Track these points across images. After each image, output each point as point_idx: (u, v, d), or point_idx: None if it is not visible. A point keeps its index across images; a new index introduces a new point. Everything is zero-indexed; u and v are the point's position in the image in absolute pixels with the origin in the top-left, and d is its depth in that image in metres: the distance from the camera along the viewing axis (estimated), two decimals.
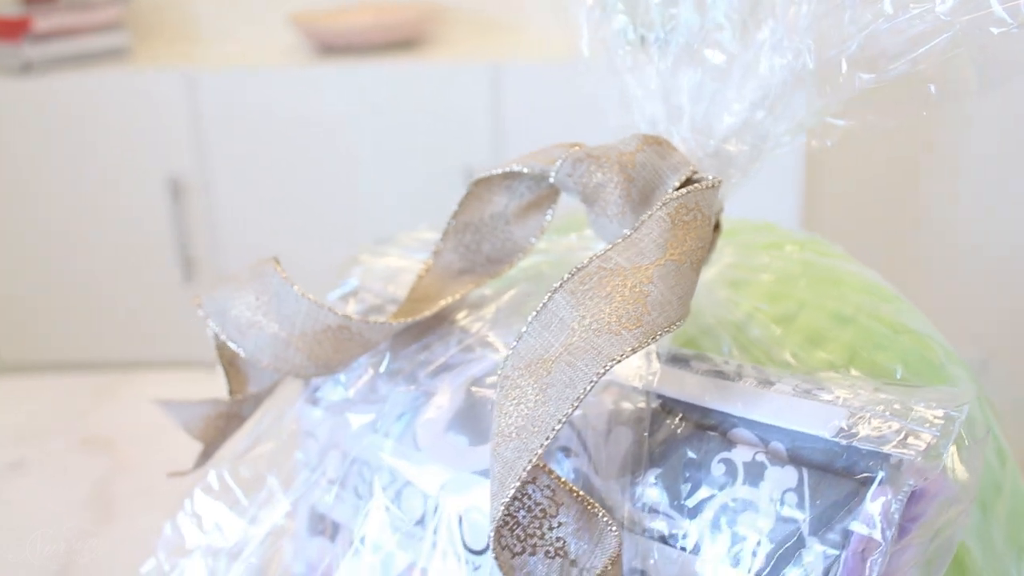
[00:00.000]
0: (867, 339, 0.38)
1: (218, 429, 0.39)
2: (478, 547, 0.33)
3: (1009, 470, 0.39)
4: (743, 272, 0.40)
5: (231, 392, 0.39)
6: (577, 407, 0.28)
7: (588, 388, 0.28)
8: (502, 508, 0.28)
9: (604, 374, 0.28)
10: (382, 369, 0.37)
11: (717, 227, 0.38)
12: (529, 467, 0.28)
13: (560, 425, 0.28)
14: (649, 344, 0.29)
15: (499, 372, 0.30)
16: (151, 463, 0.87)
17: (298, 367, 0.36)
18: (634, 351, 0.28)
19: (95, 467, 0.86)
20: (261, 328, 0.36)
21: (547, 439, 0.28)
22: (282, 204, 1.56)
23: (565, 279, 0.30)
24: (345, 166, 1.52)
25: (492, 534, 0.28)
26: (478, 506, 0.33)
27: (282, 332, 0.36)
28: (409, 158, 1.50)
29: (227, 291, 0.37)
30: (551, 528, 0.29)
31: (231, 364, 0.40)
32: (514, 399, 0.29)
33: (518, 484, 0.28)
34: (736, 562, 0.28)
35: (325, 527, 0.39)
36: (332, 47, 1.57)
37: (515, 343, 0.30)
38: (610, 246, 0.31)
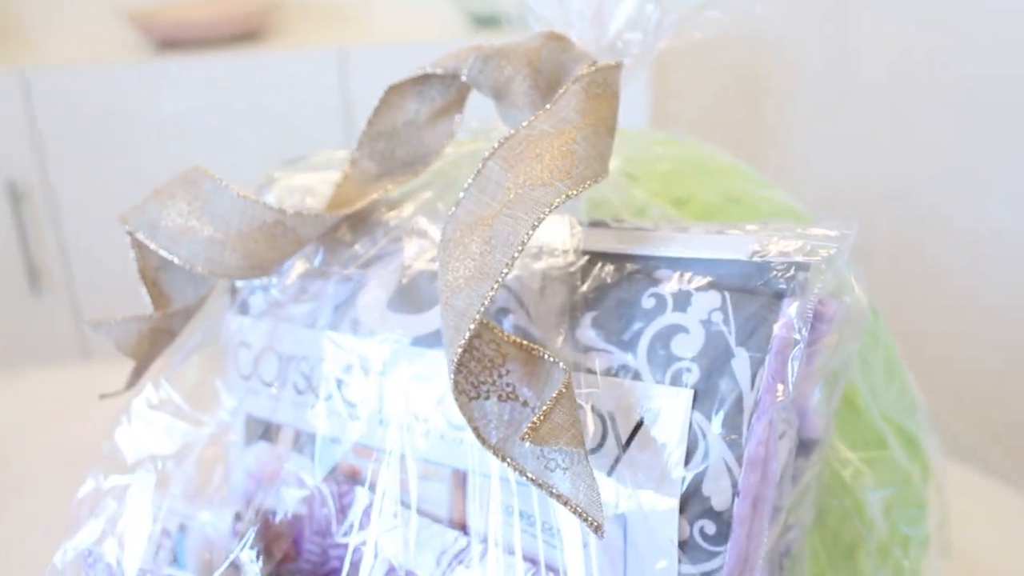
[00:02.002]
0: (756, 215, 0.43)
1: (150, 344, 0.40)
2: (422, 414, 0.35)
3: (881, 324, 0.44)
4: (638, 166, 0.44)
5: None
6: (521, 251, 0.31)
7: (530, 232, 0.31)
8: (458, 353, 0.30)
9: (544, 219, 0.31)
10: (314, 264, 0.39)
11: None
12: (482, 310, 0.30)
13: (507, 269, 0.30)
14: (579, 192, 0.32)
15: (441, 238, 0.33)
16: (37, 456, 0.85)
17: (233, 268, 0.38)
18: (567, 198, 0.31)
19: None
20: (195, 232, 0.37)
21: (496, 283, 0.30)
22: (129, 205, 1.52)
23: (496, 147, 0.33)
24: (193, 162, 1.49)
25: (451, 378, 0.31)
26: (424, 374, 0.35)
27: (217, 234, 0.37)
28: (259, 150, 1.49)
29: (155, 203, 0.38)
30: (500, 376, 0.32)
31: (154, 285, 0.41)
32: (459, 256, 0.32)
33: (472, 328, 0.30)
34: (675, 380, 0.31)
35: (266, 431, 0.40)
36: (171, 42, 1.54)
37: (453, 209, 0.33)
38: (533, 117, 0.34)
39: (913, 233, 1.57)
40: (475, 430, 0.30)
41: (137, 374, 0.41)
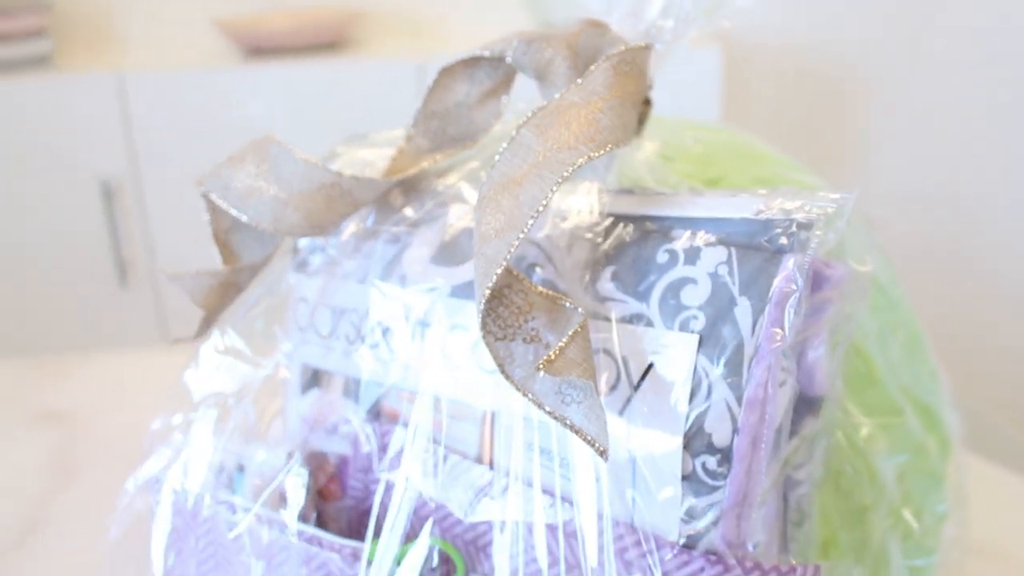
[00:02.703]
0: None
1: (219, 296, 0.44)
2: (458, 361, 0.39)
3: (906, 303, 0.46)
4: (673, 149, 0.47)
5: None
6: (546, 205, 0.34)
7: (555, 188, 0.34)
8: (486, 295, 0.34)
9: (568, 176, 0.34)
10: (367, 225, 0.43)
11: (648, 103, 0.44)
12: (509, 257, 0.33)
13: (532, 221, 0.34)
14: (601, 155, 0.35)
15: (478, 197, 0.36)
16: (110, 431, 0.91)
17: (294, 226, 0.42)
18: (590, 159, 0.35)
19: (53, 438, 0.89)
20: (261, 193, 0.41)
21: (522, 233, 0.34)
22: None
23: (529, 116, 0.36)
24: None
25: (480, 319, 0.34)
26: (460, 323, 0.39)
27: (281, 194, 0.41)
28: None
29: (227, 167, 0.42)
30: (526, 321, 0.35)
31: (224, 245, 0.45)
32: (492, 211, 0.35)
33: (498, 274, 0.33)
34: (683, 327, 0.34)
35: (318, 379, 0.44)
36: (258, 50, 1.62)
37: (489, 171, 0.36)
38: (565, 90, 0.37)
39: (981, 246, 1.56)
40: (501, 367, 0.34)
41: (206, 323, 0.45)
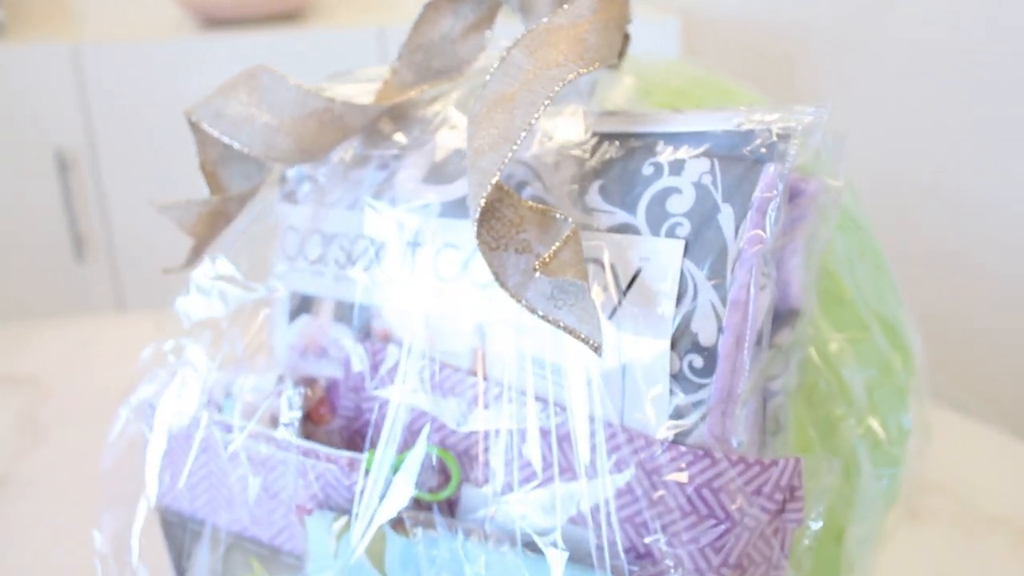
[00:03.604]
0: None
1: (207, 225, 0.45)
2: (449, 276, 0.40)
3: (870, 232, 0.48)
4: (649, 83, 0.48)
5: None
6: (538, 119, 0.35)
7: (547, 102, 0.35)
8: (481, 204, 0.35)
9: (559, 91, 0.35)
10: (356, 151, 0.44)
11: (627, 36, 0.46)
12: (503, 166, 0.35)
13: (525, 132, 0.35)
14: (589, 71, 0.36)
15: (469, 116, 0.37)
16: (78, 392, 0.91)
17: (286, 153, 0.43)
18: (579, 75, 0.36)
19: (19, 400, 0.89)
20: (254, 119, 0.42)
21: (516, 144, 0.35)
22: (171, 177, 1.58)
23: (519, 39, 0.38)
24: None
25: (475, 229, 0.35)
26: (452, 241, 0.40)
27: (273, 120, 0.42)
28: None
29: (219, 96, 0.43)
30: (518, 233, 0.36)
31: (212, 176, 0.46)
32: (485, 127, 0.36)
33: (493, 183, 0.35)
34: (669, 233, 0.36)
35: (308, 305, 0.45)
36: (214, 20, 1.61)
37: (480, 91, 0.38)
38: (552, 13, 0.39)
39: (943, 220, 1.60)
40: (495, 275, 0.35)
41: (196, 252, 0.46)
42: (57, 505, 0.71)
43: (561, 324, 0.34)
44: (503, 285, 0.35)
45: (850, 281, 0.45)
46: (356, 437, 0.43)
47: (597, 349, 0.33)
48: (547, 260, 0.34)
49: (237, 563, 0.44)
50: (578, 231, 0.35)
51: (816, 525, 0.38)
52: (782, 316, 0.40)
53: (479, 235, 0.35)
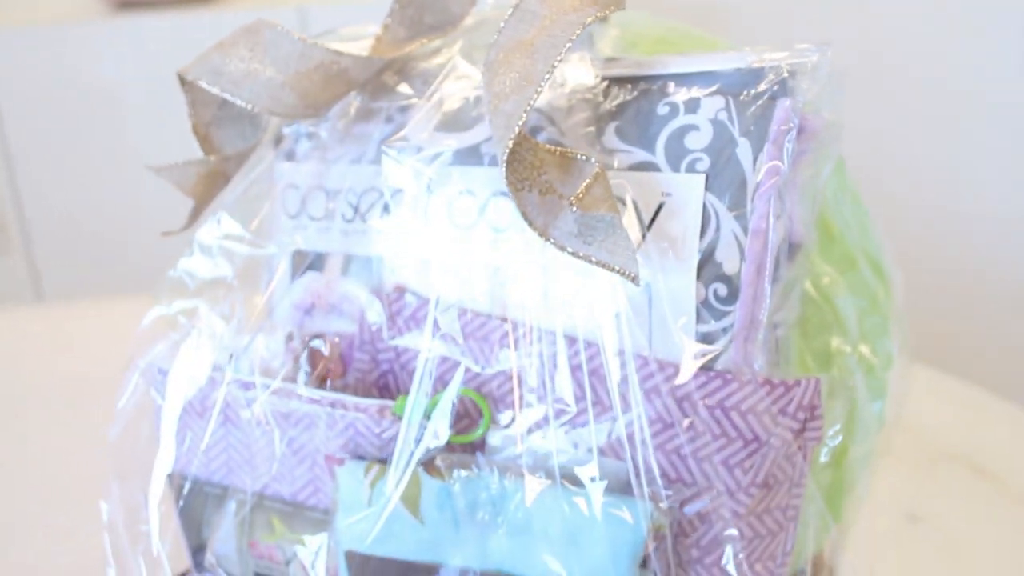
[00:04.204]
0: None
1: (206, 186, 0.45)
2: (465, 223, 0.41)
3: (848, 176, 0.51)
4: (633, 35, 0.49)
5: None
6: (560, 61, 0.36)
7: (568, 45, 0.36)
8: (508, 147, 0.36)
9: (580, 33, 0.36)
10: (360, 105, 0.44)
11: None
12: (529, 108, 0.36)
13: (548, 75, 0.36)
14: (605, 16, 0.37)
15: (484, 63, 0.38)
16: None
17: (290, 107, 0.42)
18: (596, 19, 0.37)
19: None
20: (257, 75, 0.42)
21: (539, 88, 0.36)
22: (85, 163, 1.53)
23: None
24: (148, 123, 1.52)
25: (503, 170, 0.36)
26: (468, 188, 0.41)
27: (277, 75, 0.42)
28: None
29: (217, 53, 0.43)
30: (540, 175, 0.37)
31: (205, 139, 0.46)
32: (504, 72, 0.37)
33: (520, 125, 0.36)
34: (690, 168, 0.37)
35: (313, 262, 0.45)
36: (127, 3, 1.56)
37: (495, 38, 0.38)
38: None
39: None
40: (524, 215, 0.36)
41: (195, 214, 0.45)
42: None
43: (593, 260, 0.35)
44: (531, 224, 0.36)
45: (838, 218, 0.47)
46: (372, 390, 0.43)
47: (635, 279, 0.34)
48: (580, 196, 0.35)
49: (258, 524, 0.44)
50: (603, 170, 0.36)
51: (833, 443, 0.40)
52: (784, 251, 0.41)
53: (507, 176, 0.36)
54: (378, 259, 0.43)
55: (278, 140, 0.47)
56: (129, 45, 1.51)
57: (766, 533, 0.38)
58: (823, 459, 0.40)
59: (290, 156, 0.46)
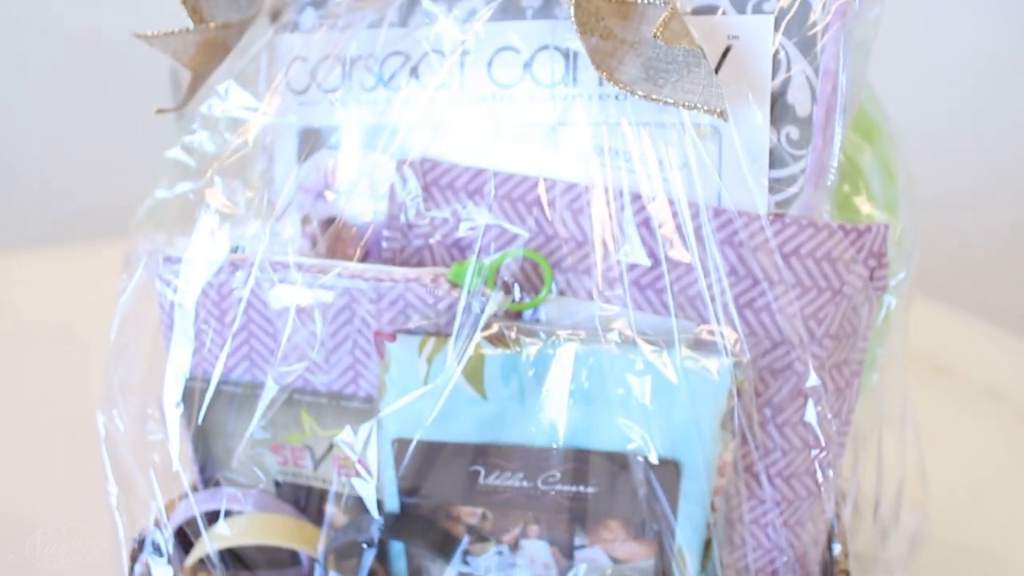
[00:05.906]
0: None
1: (204, 56, 0.41)
2: (508, 81, 0.38)
3: None
4: None
5: None
6: None
7: None
8: None
9: None
10: None
11: None
12: None
13: None
14: None
15: None
16: None
17: None
18: None
19: None
20: None
21: None
22: None
23: None
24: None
25: (571, 10, 0.34)
26: (509, 44, 0.38)
27: None
28: None
29: None
30: (598, 21, 0.35)
31: (194, 11, 0.41)
32: None
33: None
34: (757, 9, 0.36)
35: (324, 138, 0.42)
36: None
37: None
38: None
39: None
40: (592, 56, 0.34)
41: (192, 89, 0.41)
42: None
43: (667, 100, 0.34)
44: (599, 66, 0.34)
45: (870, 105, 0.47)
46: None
47: (722, 114, 0.33)
48: (662, 29, 0.33)
49: (282, 423, 0.40)
50: (675, 6, 0.34)
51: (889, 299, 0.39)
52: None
53: (575, 16, 0.34)
54: (406, 128, 0.40)
55: (275, 13, 0.43)
56: None
57: (835, 389, 0.37)
58: (882, 314, 0.39)
59: (294, 28, 0.42)
